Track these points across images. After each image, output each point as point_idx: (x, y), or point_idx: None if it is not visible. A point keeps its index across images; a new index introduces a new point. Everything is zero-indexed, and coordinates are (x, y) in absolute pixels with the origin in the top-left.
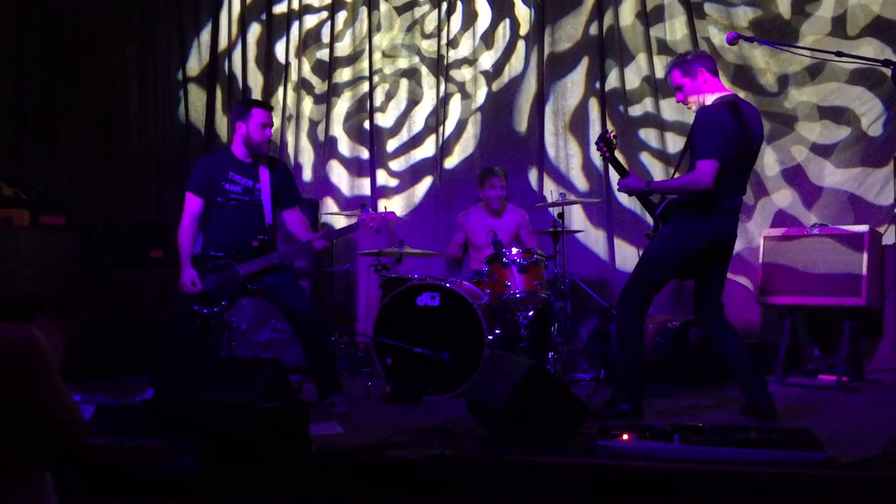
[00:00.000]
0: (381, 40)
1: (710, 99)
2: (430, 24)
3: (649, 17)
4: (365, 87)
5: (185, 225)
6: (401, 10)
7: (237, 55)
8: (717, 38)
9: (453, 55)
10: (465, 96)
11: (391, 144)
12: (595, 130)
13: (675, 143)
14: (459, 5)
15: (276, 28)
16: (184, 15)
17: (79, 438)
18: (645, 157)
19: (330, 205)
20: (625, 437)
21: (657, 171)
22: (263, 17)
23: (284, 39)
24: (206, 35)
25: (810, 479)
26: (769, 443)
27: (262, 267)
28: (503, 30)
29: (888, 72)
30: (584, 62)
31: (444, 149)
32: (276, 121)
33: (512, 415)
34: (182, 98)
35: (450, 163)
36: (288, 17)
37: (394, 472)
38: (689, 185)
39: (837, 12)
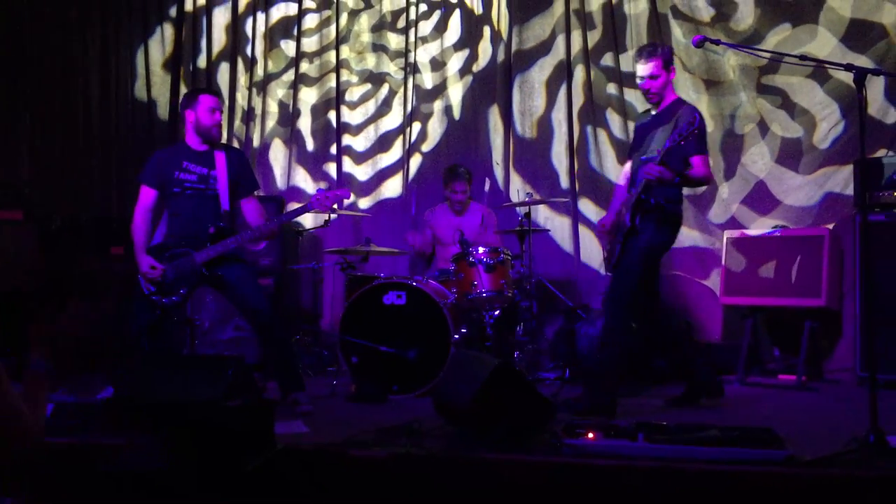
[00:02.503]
0: (351, 37)
1: (670, 97)
2: (401, 22)
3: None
4: (332, 82)
5: (137, 217)
6: (367, 7)
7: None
8: (684, 36)
9: (422, 55)
10: (433, 97)
11: (357, 142)
12: (561, 130)
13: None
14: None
15: (242, 18)
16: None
17: (30, 437)
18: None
19: (295, 202)
20: (590, 435)
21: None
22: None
23: (251, 30)
24: (169, 21)
25: (772, 477)
26: (731, 441)
27: (218, 253)
28: (472, 29)
29: (849, 76)
30: (551, 62)
31: (411, 148)
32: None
33: (478, 413)
34: (145, 84)
35: (416, 162)
36: (254, 6)
37: (359, 471)
38: (703, 179)
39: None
